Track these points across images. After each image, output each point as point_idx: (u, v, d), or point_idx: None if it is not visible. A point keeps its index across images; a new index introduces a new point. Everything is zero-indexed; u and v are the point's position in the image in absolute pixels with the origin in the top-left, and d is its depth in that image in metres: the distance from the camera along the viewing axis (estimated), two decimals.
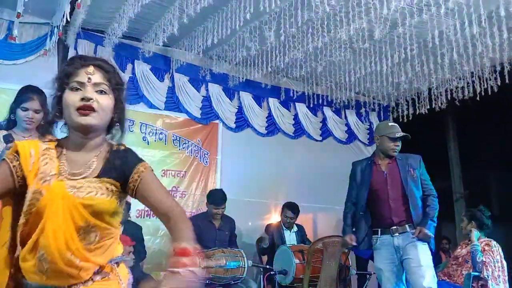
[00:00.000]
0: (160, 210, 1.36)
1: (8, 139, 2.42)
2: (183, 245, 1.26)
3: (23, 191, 1.27)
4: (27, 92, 2.62)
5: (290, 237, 5.08)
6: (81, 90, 1.30)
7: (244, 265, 3.97)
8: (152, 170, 1.40)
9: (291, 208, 5.06)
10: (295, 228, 5.17)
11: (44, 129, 1.36)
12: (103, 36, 5.08)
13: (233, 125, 6.03)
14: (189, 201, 5.50)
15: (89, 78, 1.30)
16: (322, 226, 6.38)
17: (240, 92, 6.11)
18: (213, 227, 4.49)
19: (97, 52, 5.12)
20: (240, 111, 6.09)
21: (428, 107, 6.07)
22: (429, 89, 5.93)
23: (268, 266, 4.33)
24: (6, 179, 1.25)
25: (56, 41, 4.69)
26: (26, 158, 1.25)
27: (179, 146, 5.60)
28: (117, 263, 1.42)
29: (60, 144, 1.34)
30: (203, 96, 5.84)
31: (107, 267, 1.38)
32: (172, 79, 5.61)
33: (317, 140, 6.59)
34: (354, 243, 3.32)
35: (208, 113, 5.83)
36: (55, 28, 4.55)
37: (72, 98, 1.29)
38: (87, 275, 1.31)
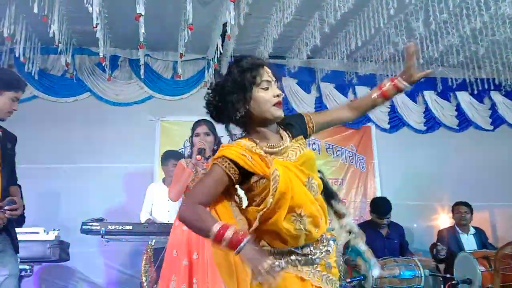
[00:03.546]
0: (339, 113, 1.76)
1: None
2: None
3: (243, 181, 1.51)
4: (196, 122, 3.09)
5: (468, 241, 4.59)
6: (268, 88, 1.51)
7: (421, 274, 3.72)
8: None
9: (463, 203, 4.63)
10: (472, 231, 4.66)
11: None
12: None
13: (387, 126, 5.79)
14: (350, 208, 5.43)
15: (272, 77, 1.53)
16: (502, 227, 5.67)
17: None
18: (380, 235, 4.32)
19: None
20: (393, 110, 5.83)
21: None
22: None
23: (448, 275, 3.97)
24: (223, 180, 1.49)
25: (213, 72, 5.20)
26: (240, 158, 1.47)
27: (333, 154, 5.60)
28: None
29: (249, 138, 1.55)
30: (350, 100, 5.74)
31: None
32: (318, 88, 5.67)
33: (487, 130, 5.96)
34: None
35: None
36: (211, 61, 5.06)
37: (266, 96, 1.50)
38: (321, 231, 1.53)
